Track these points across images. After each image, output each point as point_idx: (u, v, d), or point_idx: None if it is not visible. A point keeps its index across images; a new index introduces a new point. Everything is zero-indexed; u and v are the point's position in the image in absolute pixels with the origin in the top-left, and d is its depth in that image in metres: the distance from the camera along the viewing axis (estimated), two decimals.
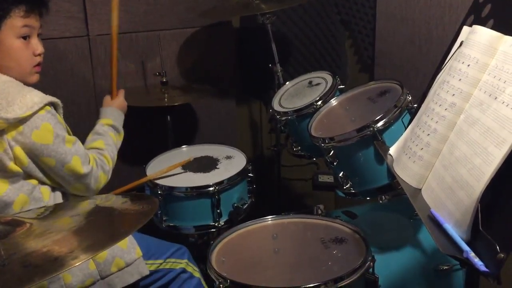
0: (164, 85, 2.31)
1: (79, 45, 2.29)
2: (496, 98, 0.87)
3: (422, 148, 1.10)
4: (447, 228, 0.88)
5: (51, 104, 1.43)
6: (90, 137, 1.67)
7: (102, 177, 1.55)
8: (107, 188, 1.72)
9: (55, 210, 1.14)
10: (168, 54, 2.48)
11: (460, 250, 0.83)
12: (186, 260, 1.73)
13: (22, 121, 1.36)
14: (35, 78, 1.50)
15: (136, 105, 2.18)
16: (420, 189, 1.09)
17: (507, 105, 0.84)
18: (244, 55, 2.73)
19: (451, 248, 0.85)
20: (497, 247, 0.76)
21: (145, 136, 2.46)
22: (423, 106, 1.21)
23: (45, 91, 2.21)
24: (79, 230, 0.88)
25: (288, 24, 2.64)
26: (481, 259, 0.79)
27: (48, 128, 1.39)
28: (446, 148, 1.01)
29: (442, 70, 1.14)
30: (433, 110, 1.08)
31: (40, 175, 1.44)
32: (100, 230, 0.87)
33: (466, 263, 0.81)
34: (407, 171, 1.15)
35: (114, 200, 1.10)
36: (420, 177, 1.10)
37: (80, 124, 2.36)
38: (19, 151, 1.37)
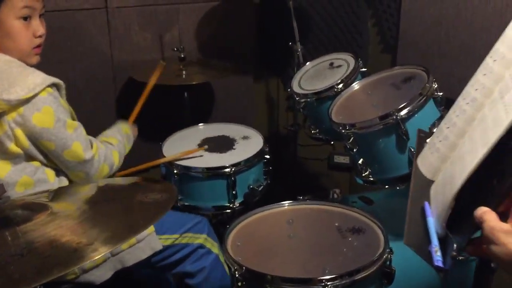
0: (182, 60, 2.27)
1: (97, 17, 2.26)
2: (503, 97, 0.84)
3: (440, 140, 1.07)
4: (428, 222, 0.89)
5: (54, 85, 1.40)
6: (106, 132, 1.67)
7: (104, 169, 1.52)
8: (124, 165, 1.72)
9: (65, 193, 1.13)
10: (186, 28, 2.44)
11: (429, 243, 0.85)
12: (205, 235, 1.68)
13: (23, 102, 1.33)
14: (35, 59, 1.45)
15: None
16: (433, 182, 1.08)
17: (504, 107, 0.81)
18: (264, 31, 2.67)
19: (415, 241, 0.89)
20: (454, 245, 0.79)
21: (162, 112, 2.45)
22: None
23: (62, 64, 2.23)
24: (96, 219, 0.87)
25: (310, 0, 2.57)
26: (444, 255, 0.81)
27: (49, 111, 1.37)
28: (460, 143, 0.98)
29: None
30: (458, 102, 1.06)
31: (41, 157, 1.42)
32: (118, 219, 0.86)
33: (427, 257, 0.83)
34: (425, 161, 1.13)
35: (126, 185, 1.09)
36: (435, 169, 1.07)
37: (98, 97, 2.36)
38: (20, 133, 1.35)
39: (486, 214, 0.75)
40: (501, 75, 0.89)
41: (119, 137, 1.67)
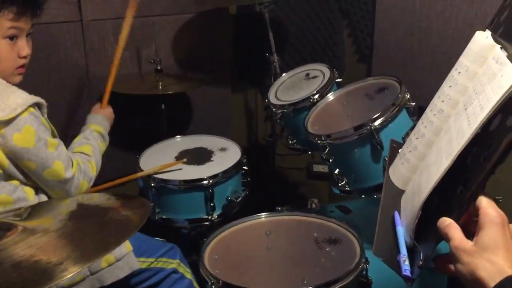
0: (158, 72, 2.27)
1: (72, 30, 2.24)
2: (466, 109, 0.86)
3: (410, 151, 1.09)
4: (398, 231, 0.90)
5: (35, 104, 1.38)
6: (78, 139, 1.63)
7: (83, 184, 1.50)
8: (100, 180, 1.70)
9: (38, 210, 1.11)
10: (163, 40, 2.44)
11: (398, 252, 0.86)
12: (178, 261, 1.70)
13: (4, 123, 1.31)
14: (17, 79, 1.44)
15: (130, 93, 2.15)
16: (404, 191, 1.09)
17: (467, 118, 0.83)
18: (241, 43, 2.68)
19: (384, 251, 0.89)
20: (421, 255, 0.80)
21: (138, 125, 2.44)
22: None
23: (36, 77, 2.20)
24: (67, 236, 0.86)
25: (285, 11, 2.59)
26: (412, 264, 0.82)
27: (30, 131, 1.35)
28: (428, 153, 1.00)
29: None
30: (426, 114, 1.08)
31: (20, 176, 1.40)
32: (89, 237, 0.85)
33: (396, 267, 0.84)
34: (396, 171, 1.14)
35: (100, 201, 1.08)
36: (406, 179, 1.09)
37: (73, 110, 2.33)
38: None
39: (451, 231, 0.75)
40: (465, 87, 0.91)
41: (93, 142, 1.63)
